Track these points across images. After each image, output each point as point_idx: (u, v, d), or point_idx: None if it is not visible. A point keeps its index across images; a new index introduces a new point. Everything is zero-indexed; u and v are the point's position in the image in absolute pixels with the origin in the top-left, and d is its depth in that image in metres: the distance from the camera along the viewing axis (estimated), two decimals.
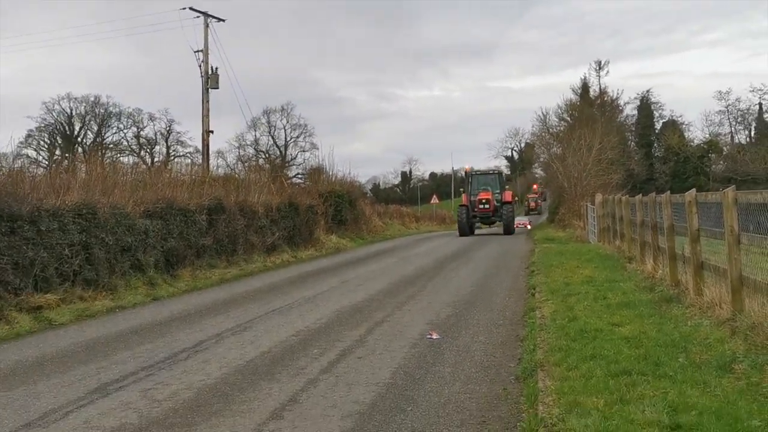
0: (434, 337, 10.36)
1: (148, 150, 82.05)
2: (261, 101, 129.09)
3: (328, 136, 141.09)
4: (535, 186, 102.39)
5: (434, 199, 75.75)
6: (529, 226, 69.15)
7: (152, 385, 8.15)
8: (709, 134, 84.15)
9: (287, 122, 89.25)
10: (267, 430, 6.39)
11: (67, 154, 64.64)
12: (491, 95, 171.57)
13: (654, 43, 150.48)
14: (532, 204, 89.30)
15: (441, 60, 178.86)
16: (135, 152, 79.12)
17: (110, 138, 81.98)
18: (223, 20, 37.49)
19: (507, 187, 45.14)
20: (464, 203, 41.96)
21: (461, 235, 40.27)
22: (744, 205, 8.79)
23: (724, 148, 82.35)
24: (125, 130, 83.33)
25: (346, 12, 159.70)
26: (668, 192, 14.08)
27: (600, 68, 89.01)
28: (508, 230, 40.89)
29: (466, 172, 44.91)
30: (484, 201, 41.00)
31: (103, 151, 64.95)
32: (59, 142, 79.27)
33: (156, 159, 74.71)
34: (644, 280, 14.17)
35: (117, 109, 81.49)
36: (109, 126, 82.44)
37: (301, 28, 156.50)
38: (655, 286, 12.90)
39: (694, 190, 11.84)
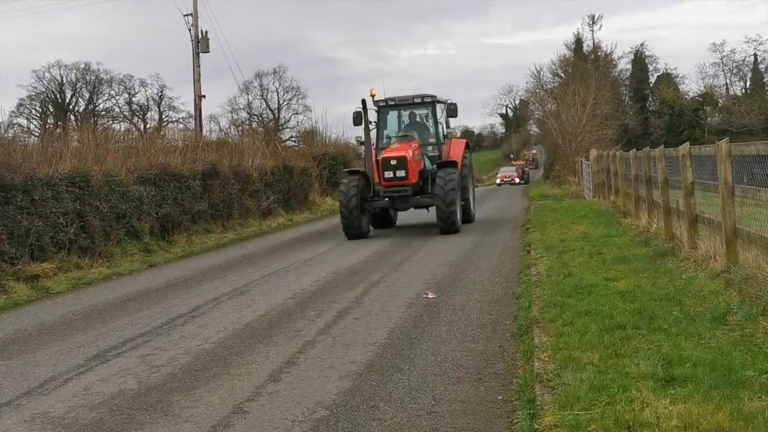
0: (430, 296, 10.40)
1: (140, 116, 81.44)
2: (253, 65, 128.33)
3: (322, 97, 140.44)
4: (526, 152, 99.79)
5: None
6: (517, 180, 67.01)
7: (150, 351, 8.19)
8: (704, 87, 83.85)
9: (279, 85, 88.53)
10: (265, 393, 6.43)
11: (59, 123, 64.17)
12: (485, 52, 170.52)
13: None
14: (519, 172, 77.67)
15: (435, 16, 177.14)
16: (127, 119, 78.59)
17: (102, 105, 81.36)
18: None
19: (451, 132, 23.31)
20: (360, 168, 20.82)
21: (349, 235, 18.85)
22: (738, 157, 8.76)
23: (720, 101, 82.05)
24: (117, 97, 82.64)
25: None
26: (662, 146, 14.04)
27: (593, 23, 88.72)
28: (448, 224, 18.51)
29: (363, 102, 19.72)
30: (393, 162, 19.08)
31: (95, 118, 64.46)
32: (51, 110, 78.66)
33: (148, 125, 74.24)
34: (639, 234, 14.19)
35: (108, 76, 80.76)
36: (100, 93, 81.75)
37: None
38: (650, 241, 12.93)
39: (687, 143, 11.81)
